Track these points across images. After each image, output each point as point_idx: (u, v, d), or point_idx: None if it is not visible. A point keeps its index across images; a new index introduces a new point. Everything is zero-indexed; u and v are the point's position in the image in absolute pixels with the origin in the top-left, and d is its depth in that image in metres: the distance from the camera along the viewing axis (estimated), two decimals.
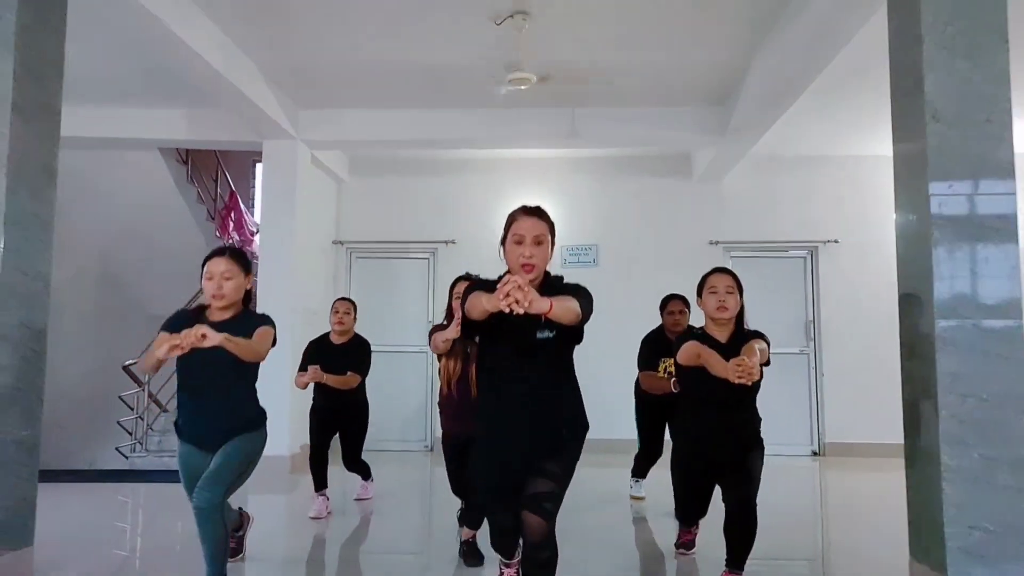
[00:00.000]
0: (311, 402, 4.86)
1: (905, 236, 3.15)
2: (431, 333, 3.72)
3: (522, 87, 5.02)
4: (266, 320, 3.08)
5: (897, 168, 3.21)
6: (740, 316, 3.24)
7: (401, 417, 7.75)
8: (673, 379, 4.12)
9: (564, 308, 2.26)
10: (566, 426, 2.49)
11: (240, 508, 3.57)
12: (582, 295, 2.46)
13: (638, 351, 4.88)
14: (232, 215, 9.04)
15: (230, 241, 9.00)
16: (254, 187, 10.79)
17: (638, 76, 5.80)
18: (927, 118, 2.92)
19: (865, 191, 7.66)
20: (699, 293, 3.31)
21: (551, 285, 2.51)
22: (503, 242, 2.54)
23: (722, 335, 3.19)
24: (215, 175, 8.82)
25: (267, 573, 3.55)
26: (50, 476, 5.52)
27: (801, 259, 7.80)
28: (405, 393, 7.74)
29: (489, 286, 2.39)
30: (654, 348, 4.74)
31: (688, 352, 3.11)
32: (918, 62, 2.98)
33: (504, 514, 2.50)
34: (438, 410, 3.97)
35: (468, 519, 3.67)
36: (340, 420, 4.84)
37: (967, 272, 2.88)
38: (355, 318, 4.89)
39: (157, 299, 8.08)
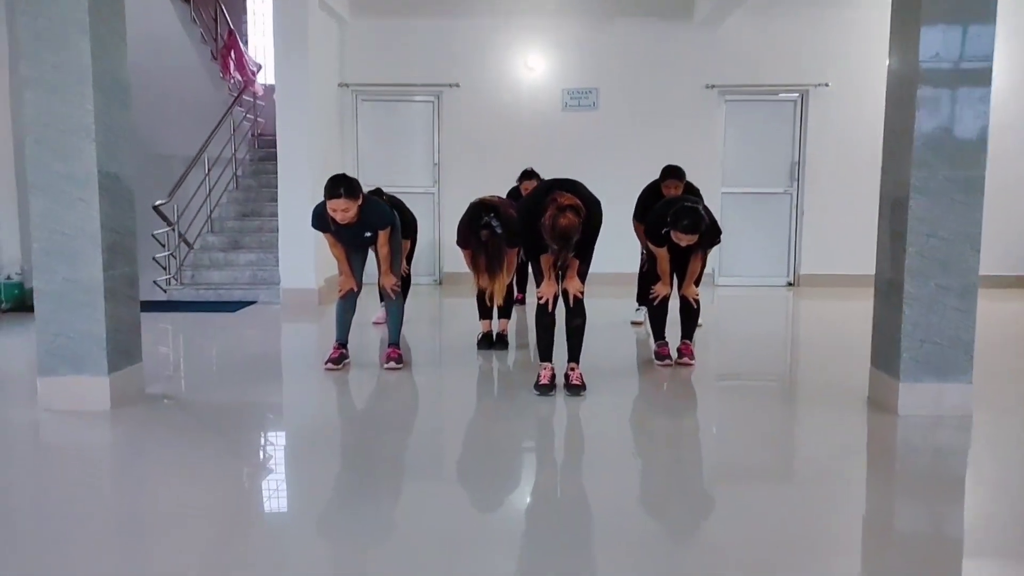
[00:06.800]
0: None
1: (894, 83, 3.58)
2: (467, 226, 4.47)
3: None
4: (383, 220, 4.26)
5: (894, 10, 3.57)
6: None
7: None
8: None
9: None
10: None
11: None
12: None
13: (637, 201, 5.48)
14: (232, 54, 9.05)
15: (232, 81, 9.07)
16: (246, 22, 10.66)
17: None
18: None
19: (858, 35, 7.87)
20: (671, 227, 4.22)
21: None
22: None
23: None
24: (214, 13, 8.74)
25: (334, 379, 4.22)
26: None
27: (792, 102, 8.15)
28: None
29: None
30: (648, 204, 5.22)
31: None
32: None
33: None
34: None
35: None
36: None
37: (943, 122, 3.35)
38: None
39: (170, 142, 8.29)
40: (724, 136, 8.15)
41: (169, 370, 4.59)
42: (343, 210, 3.98)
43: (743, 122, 8.15)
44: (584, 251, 3.75)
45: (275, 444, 3.41)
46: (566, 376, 3.90)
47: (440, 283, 8.34)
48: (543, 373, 3.89)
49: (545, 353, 3.94)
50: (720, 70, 8.02)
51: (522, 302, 6.43)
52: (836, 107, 7.98)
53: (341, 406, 4.06)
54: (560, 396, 3.84)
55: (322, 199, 4.07)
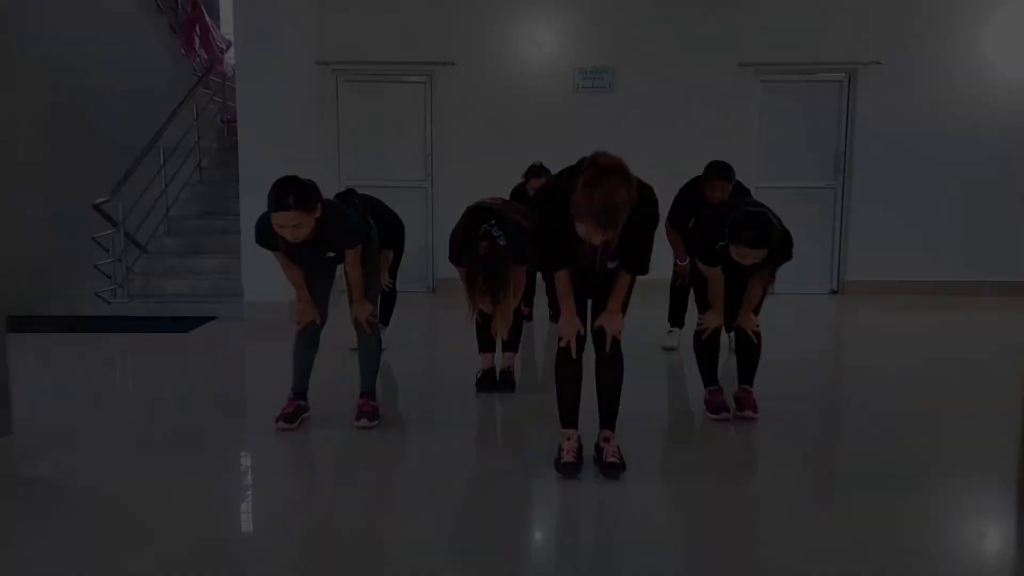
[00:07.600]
0: None
1: None
2: (462, 237, 3.52)
3: None
4: (349, 238, 3.24)
5: None
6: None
7: None
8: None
9: None
10: None
11: None
12: None
13: (673, 202, 4.51)
14: (197, 28, 7.98)
15: (197, 60, 8.00)
16: None
17: None
18: None
19: (916, 4, 6.85)
20: (730, 240, 3.21)
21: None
22: None
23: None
24: None
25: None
26: (29, 324, 5.08)
27: (837, 83, 7.10)
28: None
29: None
30: (687, 205, 4.44)
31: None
32: None
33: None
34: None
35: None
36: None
37: None
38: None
39: (123, 128, 7.23)
40: (760, 122, 7.11)
41: (71, 432, 3.41)
42: (293, 226, 2.95)
43: (782, 106, 7.12)
44: (636, 262, 2.78)
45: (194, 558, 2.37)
46: (598, 449, 2.88)
47: (433, 291, 7.32)
48: (567, 446, 2.85)
49: (568, 416, 2.92)
50: (755, 46, 6.97)
51: (529, 318, 5.38)
52: (889, 89, 6.93)
53: (296, 485, 3.02)
54: (589, 476, 2.82)
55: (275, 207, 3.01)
